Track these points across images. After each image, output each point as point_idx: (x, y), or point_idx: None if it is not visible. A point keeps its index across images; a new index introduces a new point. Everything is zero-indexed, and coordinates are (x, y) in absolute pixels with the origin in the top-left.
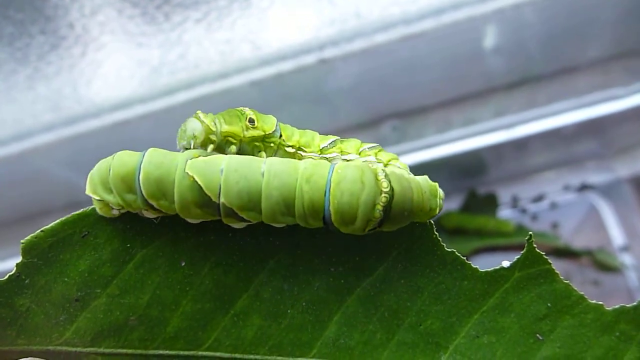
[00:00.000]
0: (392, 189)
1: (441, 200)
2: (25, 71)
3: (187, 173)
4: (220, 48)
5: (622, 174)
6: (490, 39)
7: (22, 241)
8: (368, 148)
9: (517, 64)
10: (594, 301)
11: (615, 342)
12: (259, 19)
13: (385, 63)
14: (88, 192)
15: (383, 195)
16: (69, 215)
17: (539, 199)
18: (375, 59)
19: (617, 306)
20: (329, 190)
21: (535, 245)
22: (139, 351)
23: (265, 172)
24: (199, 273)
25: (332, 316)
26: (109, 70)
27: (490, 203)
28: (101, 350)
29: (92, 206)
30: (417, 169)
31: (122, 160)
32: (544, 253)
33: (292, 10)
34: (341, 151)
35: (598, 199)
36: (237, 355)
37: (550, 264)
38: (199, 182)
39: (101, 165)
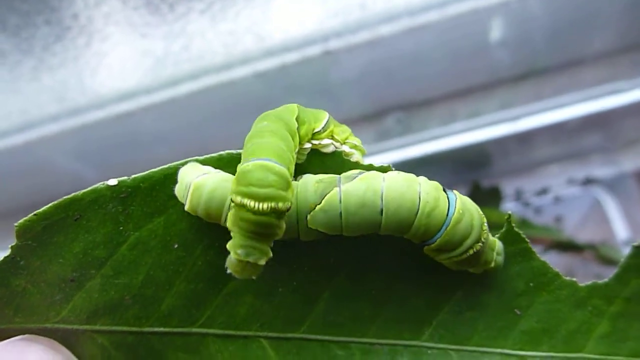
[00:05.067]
0: (485, 242)
1: (499, 256)
2: (30, 62)
3: (311, 230)
4: (224, 39)
5: (627, 168)
6: (495, 32)
7: (15, 224)
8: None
9: (522, 57)
10: (568, 278)
11: (588, 316)
12: (262, 10)
13: (389, 55)
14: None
15: (479, 244)
16: (60, 199)
17: (542, 192)
18: (379, 51)
19: (589, 282)
20: (447, 227)
21: (514, 225)
22: (134, 328)
23: (384, 209)
24: (191, 255)
25: (321, 294)
26: (113, 61)
27: (494, 196)
28: (97, 327)
29: (84, 190)
30: (421, 162)
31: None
32: (523, 234)
33: (296, 1)
34: (332, 136)
35: (602, 192)
36: (230, 332)
37: (527, 242)
38: (323, 230)
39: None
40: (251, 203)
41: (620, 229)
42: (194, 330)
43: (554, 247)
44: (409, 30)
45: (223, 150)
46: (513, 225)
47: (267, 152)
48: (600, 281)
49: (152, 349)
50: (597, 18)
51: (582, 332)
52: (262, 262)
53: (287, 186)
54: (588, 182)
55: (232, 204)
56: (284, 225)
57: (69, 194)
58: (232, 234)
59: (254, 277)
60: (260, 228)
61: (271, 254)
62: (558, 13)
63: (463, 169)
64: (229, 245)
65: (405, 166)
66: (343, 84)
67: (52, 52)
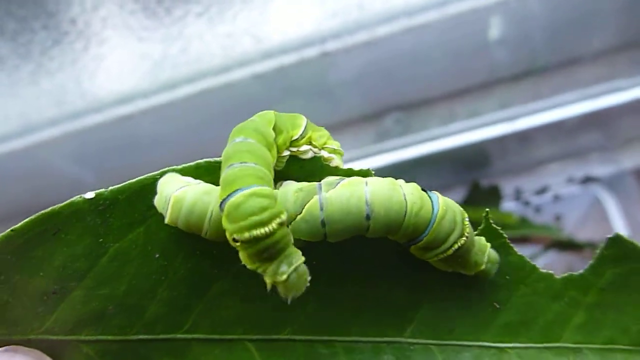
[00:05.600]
0: (468, 236)
1: (490, 264)
2: (28, 66)
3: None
4: (222, 42)
5: (626, 166)
6: (494, 31)
7: None
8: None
9: (521, 56)
10: (544, 270)
11: (565, 307)
12: (260, 12)
13: (388, 55)
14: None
15: (463, 238)
16: (37, 214)
17: (542, 191)
18: (378, 52)
19: (565, 274)
20: (433, 224)
21: (491, 221)
22: (119, 337)
23: (372, 214)
24: (173, 263)
25: (305, 296)
26: (111, 65)
27: (493, 195)
28: (82, 337)
29: (61, 204)
30: (421, 162)
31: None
32: (504, 233)
33: (294, 2)
34: (310, 142)
35: (602, 191)
36: (215, 336)
37: (505, 237)
38: (306, 239)
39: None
40: (260, 231)
41: (620, 227)
42: (179, 336)
43: (553, 246)
44: (407, 30)
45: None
46: (491, 221)
47: (249, 180)
48: (575, 273)
49: (137, 355)
50: (595, 16)
51: (559, 323)
52: (298, 262)
53: (275, 201)
54: (587, 180)
55: (239, 244)
56: (288, 230)
57: (69, 197)
58: (259, 270)
59: (307, 282)
60: (277, 245)
61: (300, 253)
62: (557, 12)
63: (462, 168)
64: (267, 280)
65: (405, 167)
66: (341, 84)
67: (50, 57)
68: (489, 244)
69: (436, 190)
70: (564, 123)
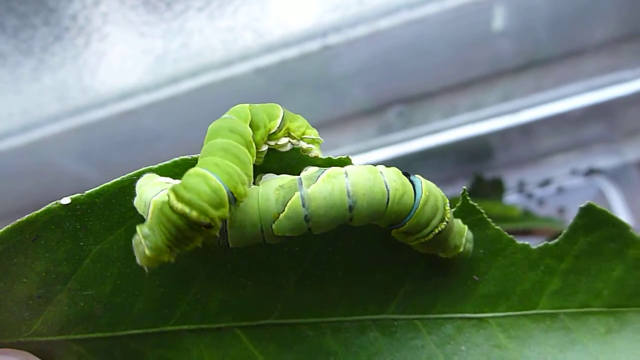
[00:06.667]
0: (449, 221)
1: (469, 244)
2: (30, 63)
3: (278, 236)
4: (223, 36)
5: (630, 158)
6: (496, 22)
7: None
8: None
9: (524, 47)
10: (521, 242)
11: (541, 275)
12: (261, 6)
13: (389, 48)
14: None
15: (443, 223)
16: (15, 222)
17: (545, 183)
18: (379, 45)
19: (541, 244)
20: (416, 209)
21: (468, 198)
22: (108, 334)
23: (354, 205)
24: None
25: (289, 282)
26: (113, 61)
27: (496, 188)
28: (71, 337)
29: (37, 211)
30: (423, 155)
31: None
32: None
33: None
34: (288, 133)
35: (605, 183)
36: (204, 326)
37: (482, 213)
38: (290, 235)
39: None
40: (171, 197)
41: (624, 219)
42: (168, 328)
43: (556, 239)
44: (408, 22)
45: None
46: (468, 198)
47: (214, 167)
48: (551, 242)
49: (128, 349)
50: (598, 7)
51: (536, 291)
52: (149, 253)
53: (217, 204)
54: (591, 172)
55: (167, 207)
56: (197, 241)
57: (72, 193)
58: (148, 231)
59: (144, 266)
60: (170, 225)
61: (169, 259)
62: (559, 2)
63: (465, 161)
64: (141, 225)
65: (408, 160)
66: (343, 78)
67: (51, 53)
68: (466, 227)
69: (439, 184)
70: (567, 115)
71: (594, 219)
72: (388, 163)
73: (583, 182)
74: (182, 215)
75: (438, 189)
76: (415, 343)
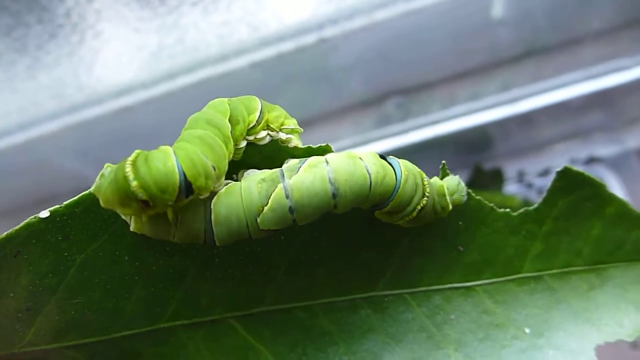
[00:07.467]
0: (429, 195)
1: (457, 194)
2: (24, 61)
3: (263, 230)
4: (218, 31)
5: (631, 146)
6: (495, 11)
7: None
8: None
9: (523, 36)
10: (501, 210)
11: (522, 241)
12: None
13: (387, 39)
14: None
15: (424, 199)
16: None
17: (545, 173)
18: (376, 36)
19: (521, 210)
20: (397, 189)
21: (448, 171)
22: (102, 337)
23: (337, 192)
24: (144, 262)
25: (278, 269)
26: (108, 57)
27: (496, 178)
28: (65, 344)
29: (17, 227)
30: (422, 146)
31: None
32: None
33: None
34: (267, 126)
35: (606, 171)
36: (197, 319)
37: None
38: (275, 228)
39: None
40: (132, 157)
41: None
42: (162, 325)
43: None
44: (405, 13)
45: None
46: (448, 172)
47: (181, 152)
48: (530, 207)
49: (123, 350)
50: None
51: (519, 255)
52: (94, 190)
53: (162, 187)
54: (591, 161)
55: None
56: (128, 210)
57: (70, 190)
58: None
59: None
60: (118, 180)
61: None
62: None
63: (465, 152)
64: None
65: (407, 151)
66: (341, 70)
67: (46, 51)
68: (445, 180)
69: (438, 175)
70: (567, 104)
71: (571, 181)
72: (387, 155)
73: (583, 171)
74: (126, 178)
75: (413, 165)
76: (406, 316)
